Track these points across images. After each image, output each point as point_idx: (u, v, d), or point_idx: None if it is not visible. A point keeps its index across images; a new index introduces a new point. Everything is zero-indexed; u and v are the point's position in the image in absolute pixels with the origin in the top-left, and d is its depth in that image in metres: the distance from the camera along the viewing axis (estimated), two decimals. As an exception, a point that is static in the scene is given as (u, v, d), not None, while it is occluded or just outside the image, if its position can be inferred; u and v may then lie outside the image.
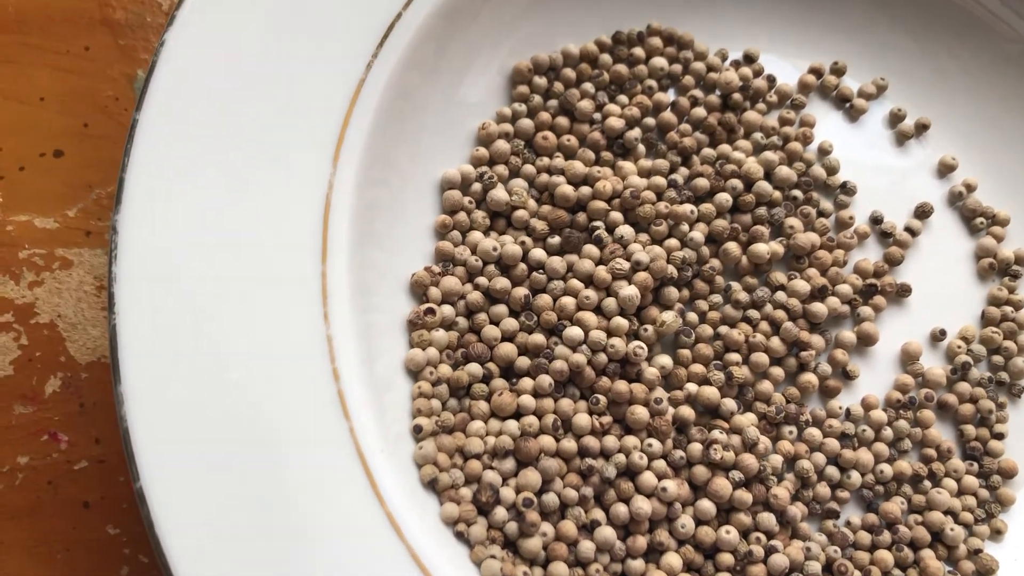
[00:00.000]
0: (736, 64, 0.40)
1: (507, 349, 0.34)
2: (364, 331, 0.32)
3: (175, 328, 0.29)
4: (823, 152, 0.39)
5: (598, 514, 0.33)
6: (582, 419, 0.33)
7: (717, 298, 0.36)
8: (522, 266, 0.35)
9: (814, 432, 0.36)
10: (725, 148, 0.38)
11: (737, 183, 0.37)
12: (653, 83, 0.38)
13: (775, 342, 0.36)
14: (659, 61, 0.38)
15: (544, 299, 0.34)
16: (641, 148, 0.38)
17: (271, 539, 0.28)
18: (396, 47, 0.33)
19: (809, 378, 0.36)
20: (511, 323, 0.34)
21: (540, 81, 0.37)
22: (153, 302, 0.29)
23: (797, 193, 0.38)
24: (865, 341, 0.37)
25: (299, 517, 0.28)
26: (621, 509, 0.32)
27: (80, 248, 0.37)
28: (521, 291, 0.34)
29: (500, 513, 0.32)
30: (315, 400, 0.30)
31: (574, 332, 0.34)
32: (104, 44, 0.39)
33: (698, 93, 0.39)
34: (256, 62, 0.32)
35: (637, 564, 0.32)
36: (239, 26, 0.32)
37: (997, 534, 0.37)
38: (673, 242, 0.36)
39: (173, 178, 0.30)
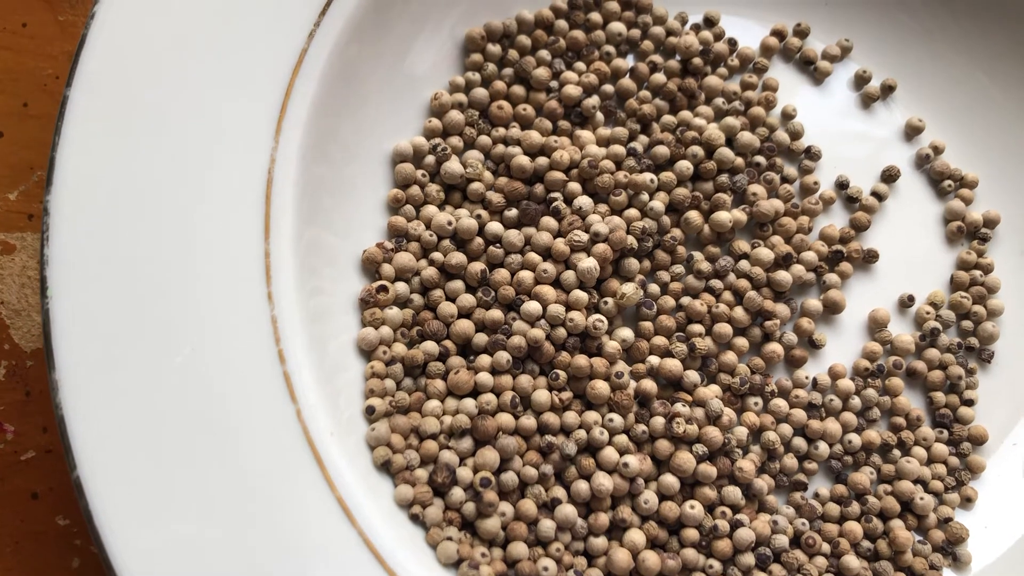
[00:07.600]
0: (696, 28, 0.39)
1: (464, 326, 0.33)
2: (314, 312, 0.31)
3: (112, 311, 0.28)
4: (787, 116, 0.38)
5: (559, 492, 0.32)
6: (541, 395, 0.32)
7: (679, 268, 0.36)
8: (478, 240, 0.34)
9: (780, 403, 0.35)
10: (686, 114, 0.37)
11: (698, 150, 0.36)
12: (611, 49, 0.37)
13: (739, 312, 0.35)
14: (617, 26, 0.37)
15: (501, 273, 0.34)
16: (599, 116, 0.37)
17: (217, 530, 0.27)
18: (339, 14, 0.32)
19: (774, 348, 0.35)
20: (468, 299, 0.33)
21: (494, 49, 0.36)
22: (88, 285, 0.28)
23: (760, 159, 0.37)
24: (832, 309, 0.37)
25: (246, 505, 0.27)
26: (582, 486, 0.32)
27: (23, 232, 0.36)
28: (478, 266, 0.34)
29: (457, 494, 0.31)
30: (260, 384, 0.29)
31: (532, 306, 0.33)
32: (42, 21, 0.37)
33: (657, 58, 0.38)
34: (193, 33, 0.30)
35: (600, 542, 0.32)
36: (173, -4, 0.30)
37: (967, 502, 0.36)
38: (633, 212, 0.35)
39: (107, 156, 0.29)
